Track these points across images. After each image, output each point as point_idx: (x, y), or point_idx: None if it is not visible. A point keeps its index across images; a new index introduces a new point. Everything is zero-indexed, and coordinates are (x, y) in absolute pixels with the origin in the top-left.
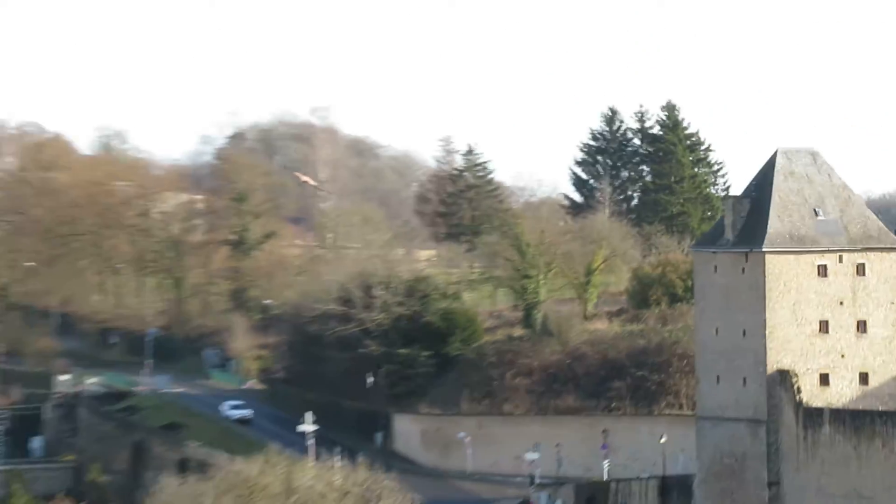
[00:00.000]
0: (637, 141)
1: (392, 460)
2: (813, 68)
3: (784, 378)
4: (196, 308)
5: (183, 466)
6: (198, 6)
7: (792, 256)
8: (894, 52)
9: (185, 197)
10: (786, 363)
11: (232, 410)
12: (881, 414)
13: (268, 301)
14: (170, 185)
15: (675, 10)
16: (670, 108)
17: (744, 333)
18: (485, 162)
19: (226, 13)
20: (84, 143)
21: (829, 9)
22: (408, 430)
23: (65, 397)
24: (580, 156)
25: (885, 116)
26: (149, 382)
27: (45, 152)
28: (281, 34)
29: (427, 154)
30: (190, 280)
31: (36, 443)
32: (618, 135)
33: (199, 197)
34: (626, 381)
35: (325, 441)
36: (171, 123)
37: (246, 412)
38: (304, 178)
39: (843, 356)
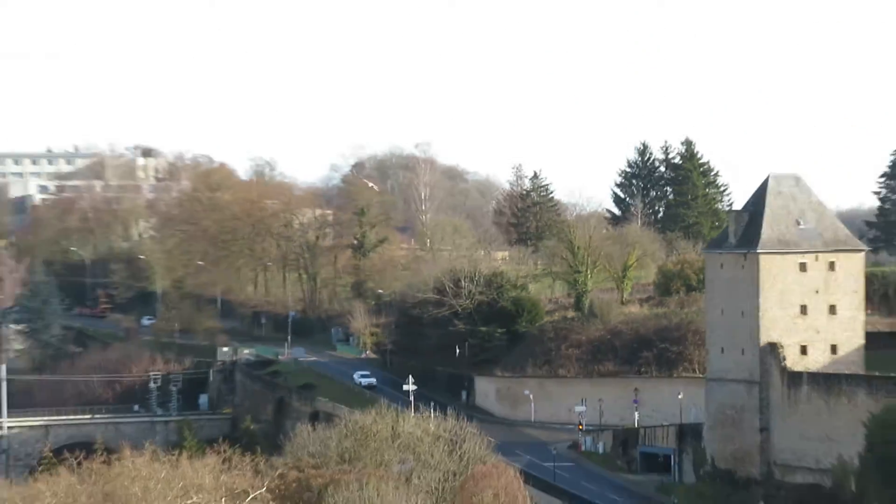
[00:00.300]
0: (662, 168)
1: (474, 412)
2: (800, 108)
3: (773, 349)
4: (326, 296)
5: (314, 417)
6: (325, 71)
7: (779, 256)
8: (863, 94)
9: (318, 211)
10: (774, 337)
11: (361, 378)
12: (847, 376)
13: (380, 291)
14: (307, 203)
15: (696, 65)
16: (688, 143)
17: (742, 314)
18: (547, 184)
19: (347, 72)
20: (242, 170)
21: (811, 55)
22: (486, 389)
23: (225, 364)
24: (619, 179)
25: (852, 149)
26: (289, 353)
27: (212, 177)
28: (392, 88)
29: (503, 178)
30: (321, 275)
31: (202, 399)
32: (648, 163)
33: (329, 211)
34: (652, 351)
35: (423, 398)
36: (308, 155)
37: (372, 380)
38: (371, 184)
39: (818, 332)
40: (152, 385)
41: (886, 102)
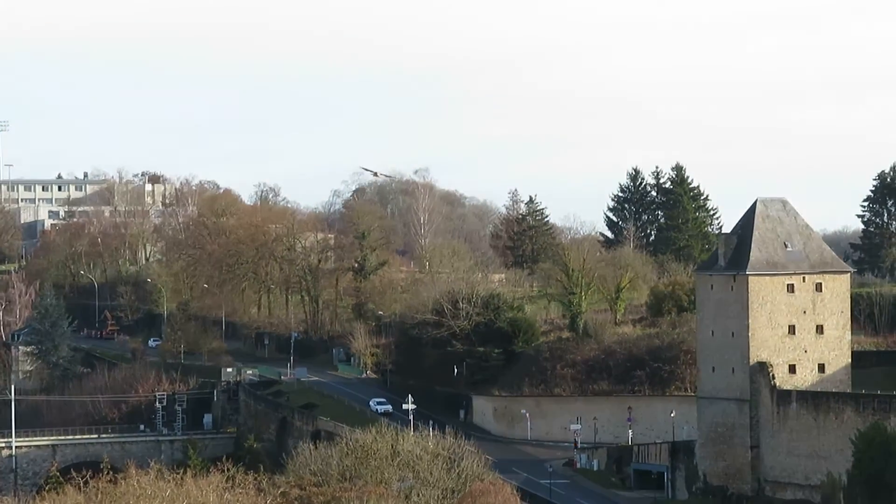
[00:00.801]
0: (654, 193)
1: (471, 431)
2: (787, 133)
3: (762, 368)
4: (327, 317)
5: (316, 436)
6: (328, 100)
7: (768, 278)
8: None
9: (320, 235)
10: (763, 357)
11: (378, 406)
12: (834, 394)
13: (380, 312)
14: (310, 227)
15: (686, 91)
16: (678, 168)
17: (732, 335)
18: (542, 208)
19: (348, 100)
20: (247, 196)
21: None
22: (483, 408)
23: (229, 384)
24: (612, 204)
25: (838, 174)
26: (292, 373)
27: (218, 203)
28: (393, 115)
29: (500, 203)
30: (323, 297)
31: (207, 418)
32: (640, 188)
33: (331, 235)
34: (645, 370)
35: (422, 416)
36: (311, 181)
37: (388, 407)
38: (376, 170)
39: (805, 351)
40: (158, 405)
41: (871, 127)
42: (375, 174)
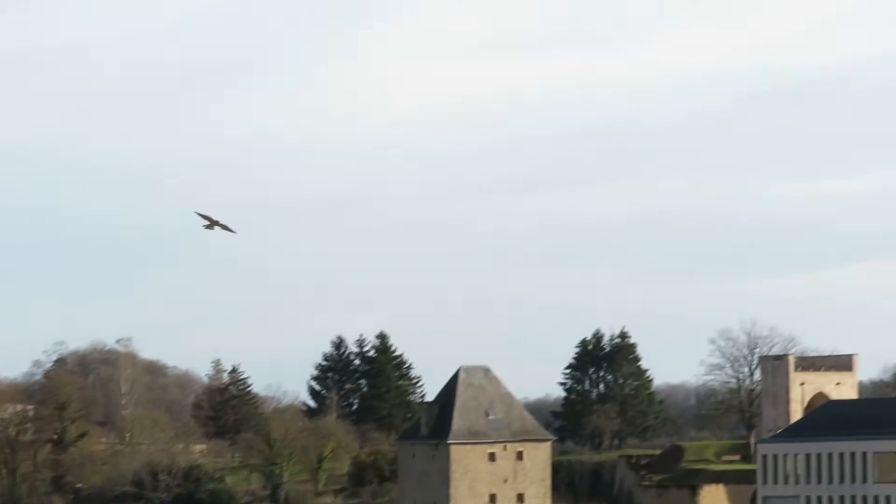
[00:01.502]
0: (358, 361)
1: None
2: (490, 300)
3: None
4: (25, 491)
5: None
6: (27, 268)
7: (469, 446)
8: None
9: (19, 406)
10: None
11: None
12: None
13: (80, 485)
14: (8, 398)
15: (389, 263)
16: (382, 337)
17: None
18: (245, 378)
19: (49, 270)
20: None
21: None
22: None
23: None
24: (315, 372)
25: (540, 341)
26: None
27: None
28: (95, 284)
29: (202, 372)
30: (21, 470)
31: None
32: (343, 356)
33: (30, 407)
34: None
35: None
36: (10, 352)
37: None
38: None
39: None
40: None
41: (572, 294)
42: (212, 224)
